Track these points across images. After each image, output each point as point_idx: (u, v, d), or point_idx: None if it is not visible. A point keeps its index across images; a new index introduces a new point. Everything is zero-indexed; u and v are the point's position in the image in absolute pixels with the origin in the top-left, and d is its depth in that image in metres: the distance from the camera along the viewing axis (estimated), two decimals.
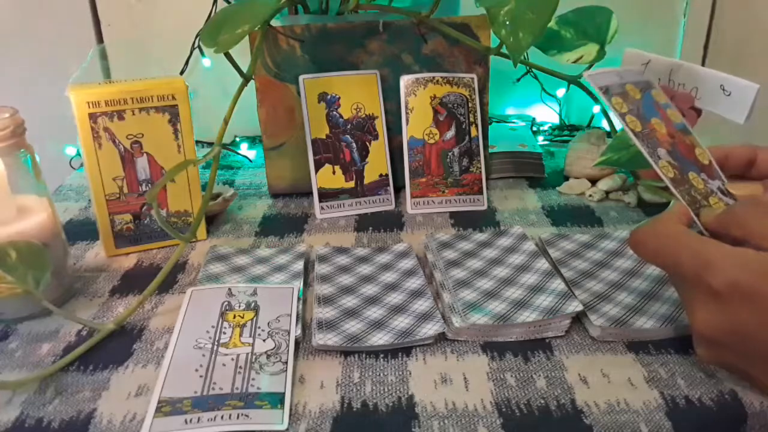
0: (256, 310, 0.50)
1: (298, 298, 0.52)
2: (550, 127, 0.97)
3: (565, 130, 0.97)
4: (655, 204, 0.71)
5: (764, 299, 0.36)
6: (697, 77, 0.60)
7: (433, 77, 0.71)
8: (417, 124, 0.71)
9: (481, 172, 0.72)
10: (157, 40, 0.93)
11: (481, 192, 0.72)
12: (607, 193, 0.74)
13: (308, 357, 0.47)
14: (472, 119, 0.72)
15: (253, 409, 0.40)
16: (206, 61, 0.93)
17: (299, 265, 0.58)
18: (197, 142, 0.65)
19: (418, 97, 0.71)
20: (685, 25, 0.95)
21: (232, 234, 0.67)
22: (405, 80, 0.71)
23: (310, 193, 0.72)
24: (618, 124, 0.49)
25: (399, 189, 0.75)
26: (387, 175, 0.72)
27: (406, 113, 0.71)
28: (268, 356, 0.45)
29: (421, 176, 0.71)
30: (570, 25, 0.70)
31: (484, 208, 0.71)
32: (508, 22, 0.58)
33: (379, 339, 0.47)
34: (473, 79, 0.73)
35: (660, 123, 0.47)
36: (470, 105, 0.72)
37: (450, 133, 0.71)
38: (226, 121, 0.59)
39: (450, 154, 0.71)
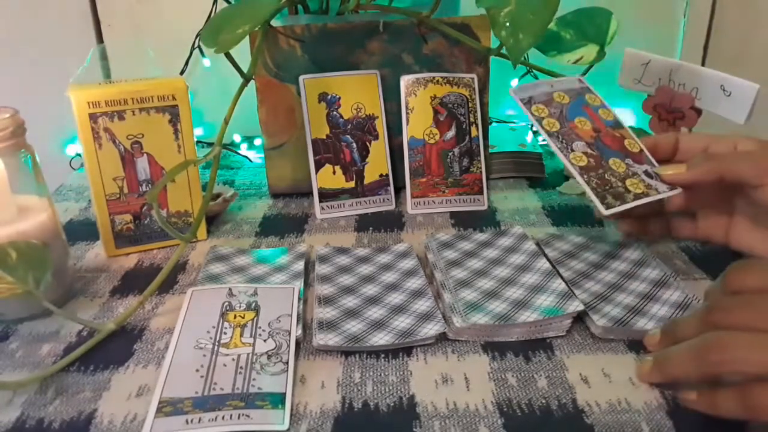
0: (256, 310, 0.50)
1: (299, 298, 0.52)
2: None
3: None
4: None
5: None
6: (697, 77, 0.60)
7: (434, 77, 0.71)
8: (417, 124, 0.71)
9: (481, 172, 0.72)
10: (157, 40, 0.93)
11: (481, 192, 0.72)
12: None
13: (309, 357, 0.47)
14: (472, 119, 0.72)
15: (254, 410, 0.40)
16: (206, 61, 0.93)
17: (300, 266, 0.58)
18: (197, 142, 0.64)
19: (419, 97, 0.71)
20: (685, 25, 0.95)
21: (232, 234, 0.67)
22: (405, 80, 0.71)
23: (310, 193, 0.72)
24: (536, 127, 0.54)
25: (399, 189, 0.75)
26: (387, 175, 0.72)
27: (407, 113, 0.71)
28: (269, 356, 0.45)
29: (422, 176, 0.71)
30: (570, 26, 0.70)
31: (485, 208, 0.71)
32: (508, 23, 0.58)
33: (380, 339, 0.47)
34: (473, 79, 0.73)
35: (584, 121, 0.54)
36: (470, 105, 0.72)
37: (450, 133, 0.71)
38: (226, 121, 0.59)
39: (450, 154, 0.71)
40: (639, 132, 0.57)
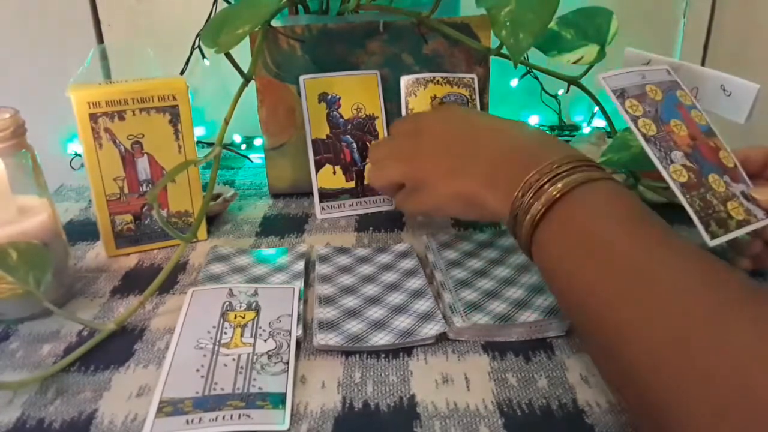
0: (257, 310, 0.50)
1: (299, 299, 0.52)
2: (549, 127, 0.97)
3: (565, 130, 0.97)
4: (657, 204, 0.71)
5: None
6: (697, 77, 0.60)
7: (434, 77, 0.71)
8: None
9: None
10: (157, 40, 0.93)
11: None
12: None
13: (309, 357, 0.47)
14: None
15: (255, 410, 0.40)
16: (206, 62, 0.93)
17: (300, 266, 0.58)
18: (198, 142, 0.64)
19: (419, 98, 0.71)
20: (685, 25, 0.95)
21: (232, 234, 0.67)
22: (405, 80, 0.71)
23: (310, 194, 0.72)
24: (631, 128, 0.47)
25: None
26: None
27: (407, 114, 0.71)
28: (270, 356, 0.45)
29: None
30: (570, 25, 0.70)
31: None
32: (508, 23, 0.58)
33: (381, 339, 0.47)
34: (473, 80, 0.73)
35: (680, 125, 0.47)
36: (471, 105, 0.72)
37: None
38: (226, 122, 0.59)
39: None
40: None
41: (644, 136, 0.45)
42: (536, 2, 0.58)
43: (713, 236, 0.44)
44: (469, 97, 0.72)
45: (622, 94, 0.47)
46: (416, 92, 0.71)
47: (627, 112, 0.46)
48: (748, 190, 0.47)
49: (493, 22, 0.58)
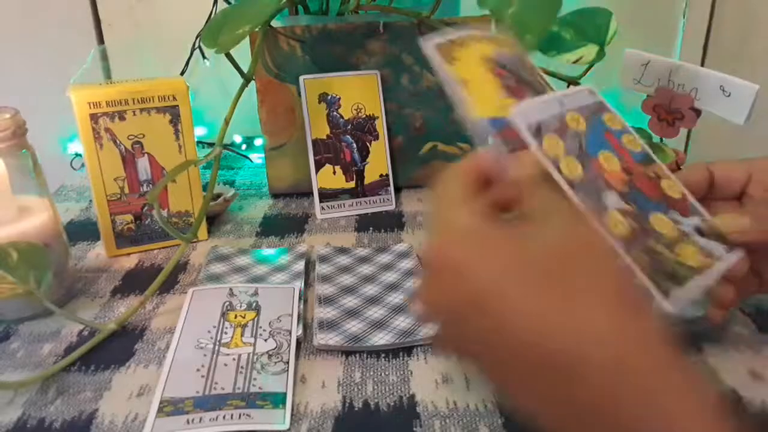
0: (257, 310, 0.50)
1: (299, 298, 0.52)
2: None
3: None
4: None
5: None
6: (696, 78, 0.60)
7: (470, 33, 0.45)
8: (482, 97, 0.40)
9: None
10: (157, 40, 0.93)
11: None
12: None
13: (309, 357, 0.47)
14: (543, 81, 0.44)
15: (255, 409, 0.40)
16: (206, 62, 0.93)
17: (300, 265, 0.58)
18: (198, 142, 0.65)
19: (463, 62, 0.43)
20: (685, 25, 0.95)
21: (233, 234, 0.67)
22: (433, 44, 0.42)
23: (310, 193, 0.72)
24: (553, 176, 0.36)
25: (399, 189, 0.75)
26: (387, 175, 0.72)
27: (460, 87, 0.40)
28: (270, 356, 0.45)
29: None
30: (570, 26, 0.70)
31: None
32: (512, 25, 0.58)
33: (381, 339, 0.47)
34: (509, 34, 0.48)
35: (611, 157, 0.39)
36: (531, 65, 0.46)
37: (528, 98, 0.43)
38: (226, 122, 0.59)
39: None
40: (639, 133, 0.57)
41: (569, 182, 0.35)
42: (539, 3, 0.58)
43: (666, 295, 0.34)
44: (522, 56, 0.45)
45: (538, 132, 0.37)
46: (456, 56, 0.44)
47: (545, 154, 0.36)
48: (704, 222, 0.39)
49: (498, 24, 0.59)
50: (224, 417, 0.40)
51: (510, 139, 0.37)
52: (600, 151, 0.39)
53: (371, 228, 0.68)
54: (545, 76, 0.44)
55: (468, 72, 0.40)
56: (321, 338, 0.47)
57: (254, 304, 0.51)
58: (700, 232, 0.39)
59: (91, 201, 0.74)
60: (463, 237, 0.31)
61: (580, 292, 0.27)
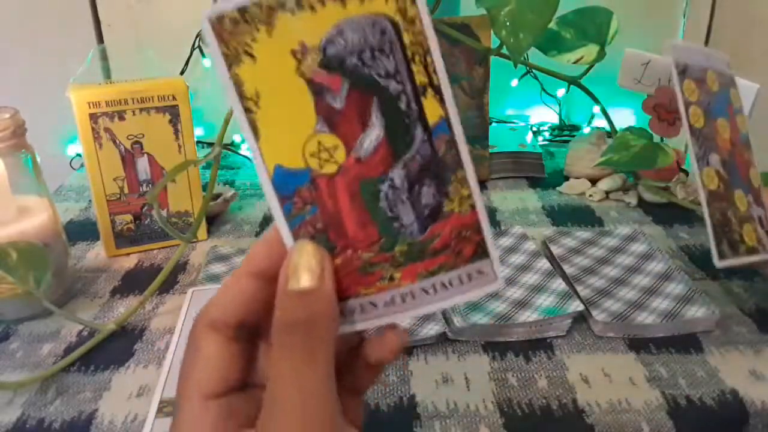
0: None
1: None
2: (550, 127, 0.97)
3: (565, 131, 0.97)
4: (656, 204, 0.71)
5: None
6: None
7: None
8: (276, 132, 0.24)
9: (472, 204, 0.25)
10: (157, 40, 0.93)
11: (482, 253, 0.25)
12: (608, 193, 0.74)
13: None
14: (422, 80, 0.24)
15: None
16: (206, 61, 0.93)
17: None
18: (198, 142, 0.64)
19: (261, 60, 0.24)
20: (685, 25, 0.95)
21: (232, 234, 0.67)
22: (213, 18, 0.24)
23: None
24: (681, 113, 0.41)
25: None
26: None
27: (245, 108, 0.24)
28: None
29: (329, 252, 0.25)
30: (570, 25, 0.70)
31: (498, 286, 0.26)
32: (508, 23, 0.58)
33: None
34: None
35: (726, 126, 0.42)
36: (408, 41, 0.24)
37: (371, 137, 0.24)
38: (226, 122, 0.59)
39: (383, 186, 0.25)
40: (639, 132, 0.57)
41: (691, 126, 0.40)
42: (536, 2, 0.58)
43: (722, 256, 0.41)
44: (399, 23, 0.23)
45: (684, 71, 0.40)
46: (253, 49, 0.23)
47: (682, 92, 0.40)
48: (763, 217, 0.44)
49: (493, 22, 0.59)
50: None
51: (306, 201, 0.24)
52: (720, 117, 0.42)
53: None
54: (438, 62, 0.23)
55: (264, 80, 0.23)
56: None
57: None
58: (761, 223, 0.43)
59: (90, 201, 0.74)
60: None
61: None
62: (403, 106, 0.23)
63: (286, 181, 0.24)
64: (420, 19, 0.23)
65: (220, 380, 0.26)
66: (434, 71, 0.23)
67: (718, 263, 0.41)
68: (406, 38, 0.23)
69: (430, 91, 0.23)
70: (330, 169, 0.24)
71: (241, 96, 0.24)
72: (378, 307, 0.25)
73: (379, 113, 0.24)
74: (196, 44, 0.91)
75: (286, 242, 0.24)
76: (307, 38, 0.23)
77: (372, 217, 0.24)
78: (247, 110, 0.24)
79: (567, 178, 0.78)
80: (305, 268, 0.24)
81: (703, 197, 0.41)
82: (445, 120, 0.23)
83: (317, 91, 0.23)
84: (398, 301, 0.25)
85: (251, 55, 0.23)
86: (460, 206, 0.24)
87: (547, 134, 0.97)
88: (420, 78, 0.23)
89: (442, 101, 0.23)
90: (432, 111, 0.23)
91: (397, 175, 0.24)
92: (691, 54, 0.41)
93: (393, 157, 0.24)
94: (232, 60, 0.23)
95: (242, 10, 0.23)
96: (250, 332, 0.27)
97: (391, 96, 0.23)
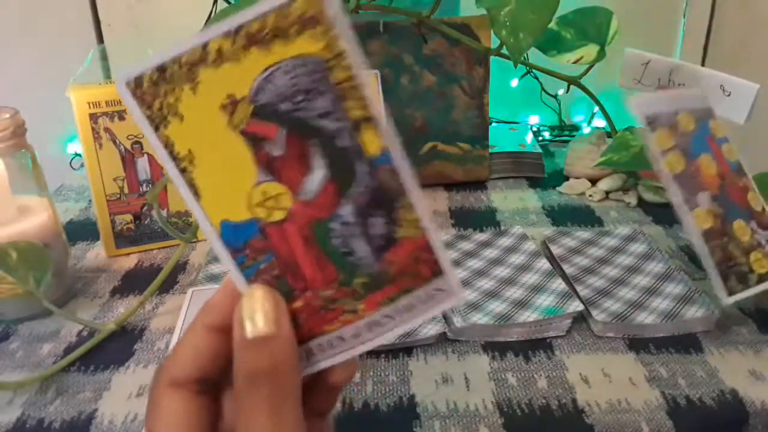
0: None
1: None
2: (550, 127, 0.97)
3: (565, 130, 0.97)
4: (656, 204, 0.71)
5: None
6: (697, 77, 0.60)
7: (190, 49, 0.23)
8: (217, 188, 0.24)
9: (421, 227, 0.24)
10: (157, 40, 0.93)
11: (435, 270, 0.25)
12: (608, 193, 0.74)
13: None
14: (357, 114, 0.23)
15: None
16: None
17: None
18: None
19: (189, 118, 0.23)
20: (685, 26, 0.95)
21: None
22: (128, 82, 0.24)
23: None
24: (657, 165, 0.41)
25: None
26: None
27: (176, 163, 0.24)
28: None
29: (289, 296, 0.25)
30: (570, 25, 0.70)
31: (460, 299, 0.25)
32: (508, 23, 0.58)
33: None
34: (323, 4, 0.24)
35: (710, 161, 0.42)
36: (339, 78, 0.23)
37: (315, 178, 0.24)
38: None
39: (333, 224, 0.25)
40: (639, 132, 0.57)
41: (670, 173, 0.40)
42: (536, 2, 0.58)
43: (731, 292, 0.41)
44: (329, 60, 0.23)
45: (653, 123, 0.41)
46: (178, 109, 0.23)
47: (655, 143, 0.40)
48: None
49: (493, 22, 0.59)
50: None
51: (258, 252, 0.25)
52: (702, 153, 0.42)
53: None
54: (372, 95, 0.23)
55: (196, 139, 0.23)
56: None
57: None
58: None
59: (90, 201, 0.74)
60: None
61: None
62: (342, 143, 0.23)
63: (235, 235, 0.24)
64: (348, 54, 0.22)
65: None
66: (369, 104, 0.23)
67: (726, 300, 0.41)
68: (337, 75, 0.23)
69: (367, 124, 0.23)
70: (278, 216, 0.24)
71: (174, 158, 0.23)
72: (346, 339, 0.25)
73: (320, 154, 0.23)
74: None
75: (243, 293, 0.24)
76: (235, 90, 0.23)
77: (327, 256, 0.24)
78: (183, 171, 0.24)
79: (567, 178, 0.78)
80: (260, 313, 0.23)
81: (698, 239, 0.41)
82: (386, 150, 0.23)
83: (254, 141, 0.23)
84: (364, 332, 0.25)
85: (178, 115, 0.23)
86: (410, 231, 0.24)
87: (547, 134, 0.97)
88: (355, 113, 0.23)
89: (380, 132, 0.23)
90: (371, 143, 0.23)
91: (346, 211, 0.24)
92: (658, 104, 0.42)
93: (339, 195, 0.24)
94: (158, 122, 0.23)
95: (161, 69, 0.23)
96: (215, 385, 0.26)
97: (330, 134, 0.23)
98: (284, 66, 0.22)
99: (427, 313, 0.25)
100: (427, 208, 0.24)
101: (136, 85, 0.23)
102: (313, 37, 0.22)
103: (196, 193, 0.24)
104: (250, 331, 0.23)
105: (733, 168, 0.44)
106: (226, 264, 0.25)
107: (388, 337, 0.25)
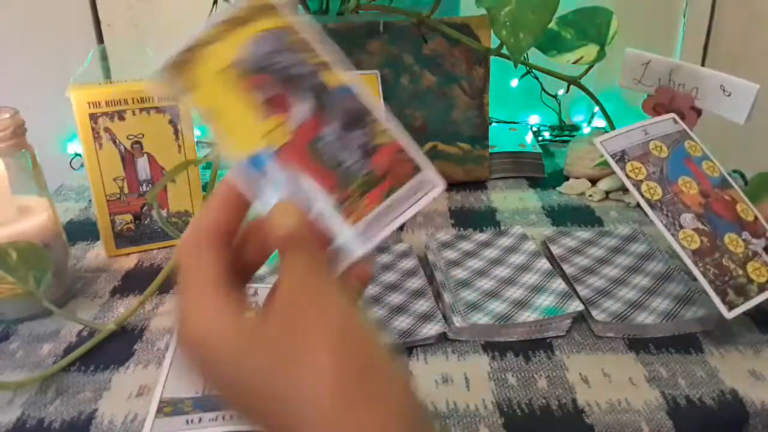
0: (256, 310, 0.50)
1: None
2: (550, 127, 0.97)
3: (565, 130, 0.97)
4: None
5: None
6: (697, 77, 0.60)
7: (198, 37, 0.33)
8: (238, 132, 0.31)
9: (391, 137, 0.32)
10: (157, 40, 0.93)
11: (417, 168, 0.32)
12: (608, 193, 0.74)
13: None
14: (316, 61, 0.33)
15: None
16: None
17: None
18: (198, 142, 0.64)
19: (205, 86, 0.32)
20: (685, 25, 0.95)
21: None
22: (162, 72, 0.33)
23: None
24: (634, 196, 0.43)
25: None
26: None
27: (215, 122, 0.32)
28: None
29: None
30: (570, 25, 0.70)
31: (442, 187, 0.31)
32: (508, 23, 0.58)
33: None
34: None
35: (690, 182, 0.43)
36: (293, 40, 0.33)
37: (302, 109, 0.32)
38: None
39: (321, 142, 0.31)
40: None
41: (648, 202, 0.42)
42: (536, 2, 0.58)
43: (731, 307, 0.41)
44: (290, 29, 0.33)
45: (622, 158, 0.43)
46: (196, 80, 0.32)
47: (628, 176, 0.42)
48: None
49: (493, 22, 0.59)
50: (224, 417, 0.40)
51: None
52: (680, 176, 0.44)
53: None
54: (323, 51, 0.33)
55: (211, 98, 0.31)
56: None
57: (254, 305, 0.51)
58: None
59: (90, 201, 0.74)
60: (205, 338, 0.30)
61: (307, 366, 0.27)
62: (313, 81, 0.32)
63: (257, 164, 0.31)
64: (295, 24, 0.32)
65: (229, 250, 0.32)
66: (320, 54, 0.32)
67: (728, 315, 0.41)
68: (293, 38, 0.32)
69: (325, 68, 0.32)
70: (282, 140, 0.31)
71: (204, 116, 0.31)
72: (368, 220, 0.31)
73: (300, 90, 0.32)
74: None
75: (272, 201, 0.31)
76: (231, 56, 0.31)
77: (325, 166, 0.31)
78: (212, 124, 0.31)
79: (567, 178, 0.78)
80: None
81: (688, 259, 0.41)
82: (345, 85, 0.32)
83: (252, 89, 0.31)
84: (381, 216, 0.31)
85: (197, 85, 0.31)
86: (383, 138, 0.31)
87: (547, 134, 0.97)
88: (312, 60, 0.32)
89: (335, 72, 0.32)
90: (332, 80, 0.32)
91: (329, 130, 0.31)
92: (623, 140, 0.44)
93: (320, 119, 0.31)
94: (187, 92, 0.32)
95: (188, 50, 0.32)
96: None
97: (303, 76, 0.32)
98: (262, 36, 0.32)
99: (419, 203, 0.31)
100: (393, 121, 0.32)
101: (169, 67, 0.32)
102: (269, 18, 0.32)
103: (225, 139, 0.31)
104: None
105: (715, 184, 0.45)
106: (257, 185, 0.31)
107: (398, 222, 0.31)
